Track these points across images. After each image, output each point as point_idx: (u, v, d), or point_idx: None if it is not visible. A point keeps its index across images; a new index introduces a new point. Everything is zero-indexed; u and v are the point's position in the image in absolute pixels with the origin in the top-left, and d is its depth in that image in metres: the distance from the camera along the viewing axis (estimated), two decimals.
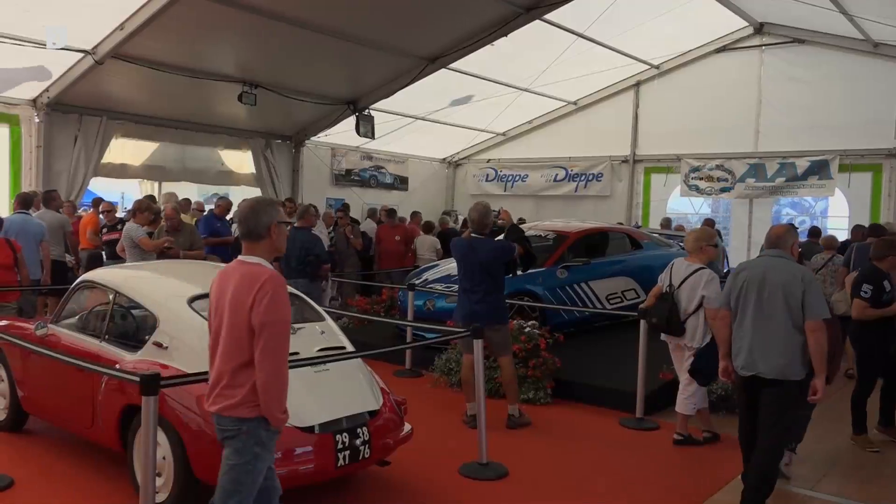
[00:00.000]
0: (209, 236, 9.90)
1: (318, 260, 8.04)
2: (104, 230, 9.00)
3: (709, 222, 13.18)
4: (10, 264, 7.01)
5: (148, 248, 7.80)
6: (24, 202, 8.35)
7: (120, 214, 10.20)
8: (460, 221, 15.44)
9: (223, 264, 7.87)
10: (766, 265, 4.50)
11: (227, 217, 10.55)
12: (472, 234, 6.24)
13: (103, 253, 9.26)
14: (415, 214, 13.93)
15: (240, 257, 3.17)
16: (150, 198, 10.24)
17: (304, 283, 7.65)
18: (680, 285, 5.80)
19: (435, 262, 10.68)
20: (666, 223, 14.11)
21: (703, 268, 5.79)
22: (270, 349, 2.94)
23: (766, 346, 4.36)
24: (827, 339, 4.28)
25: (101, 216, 9.70)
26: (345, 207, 13.80)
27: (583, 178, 16.91)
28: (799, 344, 4.28)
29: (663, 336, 6.00)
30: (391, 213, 12.61)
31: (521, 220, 13.89)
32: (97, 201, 10.67)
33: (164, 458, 4.04)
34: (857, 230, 10.34)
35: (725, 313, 4.63)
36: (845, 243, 10.04)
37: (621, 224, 13.70)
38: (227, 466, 3.00)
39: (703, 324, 5.68)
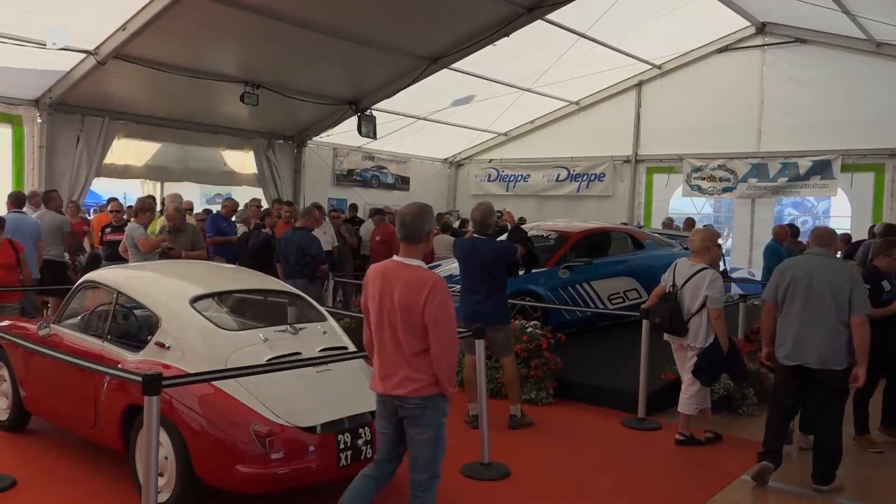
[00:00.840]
0: (215, 235, 9.93)
1: (315, 260, 8.05)
2: (107, 230, 8.91)
3: (689, 222, 13.33)
4: (12, 264, 7.01)
5: (144, 248, 7.79)
6: (17, 201, 8.35)
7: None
8: (460, 221, 15.43)
9: (228, 265, 7.96)
10: (813, 263, 4.96)
11: (232, 217, 10.57)
12: (475, 234, 6.23)
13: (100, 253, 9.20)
14: (440, 216, 14.00)
15: (398, 258, 3.54)
16: (150, 198, 10.18)
17: (303, 283, 7.66)
18: (683, 285, 5.79)
19: (437, 262, 10.68)
20: (669, 223, 14.11)
21: (706, 268, 5.78)
22: (444, 341, 3.39)
23: (813, 338, 4.79)
24: None
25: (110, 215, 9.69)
26: (353, 208, 13.79)
27: (585, 179, 16.91)
28: (843, 337, 4.75)
29: (666, 336, 6.00)
30: (376, 212, 12.35)
31: (522, 220, 13.89)
32: (111, 201, 10.68)
33: (166, 457, 4.04)
34: (872, 229, 10.39)
35: (771, 306, 5.08)
36: (857, 244, 10.06)
37: (626, 224, 13.69)
38: (423, 440, 3.48)
39: (706, 324, 5.67)
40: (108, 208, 9.58)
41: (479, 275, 6.06)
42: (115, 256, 8.21)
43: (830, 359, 4.77)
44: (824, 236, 5.17)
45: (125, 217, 9.16)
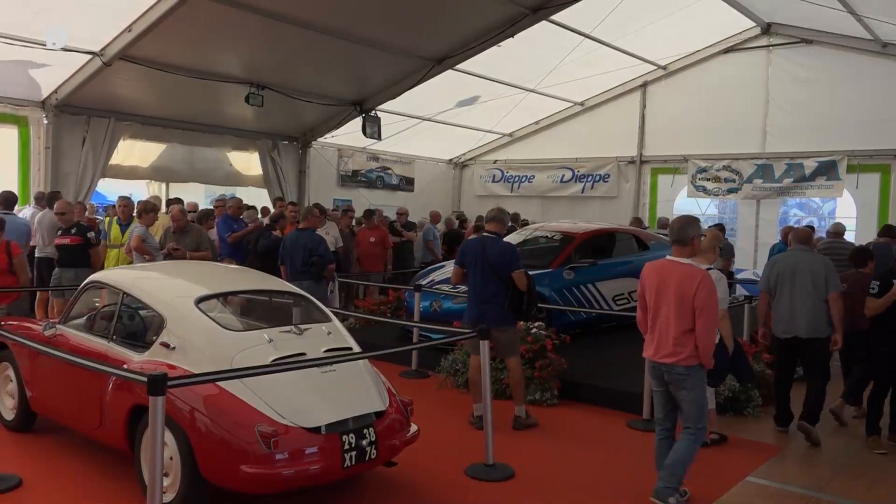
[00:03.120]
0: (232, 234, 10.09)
1: (322, 260, 8.04)
2: (58, 232, 8.31)
3: (636, 221, 13.41)
4: (4, 268, 6.86)
5: (132, 245, 7.78)
6: (6, 202, 8.34)
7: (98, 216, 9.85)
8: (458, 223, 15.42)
9: (236, 266, 7.96)
10: (795, 257, 6.23)
11: (241, 216, 10.63)
12: (485, 233, 6.21)
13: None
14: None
15: (670, 258, 4.56)
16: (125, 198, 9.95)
17: (309, 284, 7.65)
18: None
19: (441, 263, 10.68)
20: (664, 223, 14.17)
21: (710, 268, 5.76)
22: (707, 323, 4.33)
23: (801, 314, 6.00)
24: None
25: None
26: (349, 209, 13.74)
27: (589, 179, 16.88)
28: (823, 311, 5.98)
29: None
30: (369, 214, 12.02)
31: (525, 222, 13.88)
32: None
33: (171, 458, 4.05)
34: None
35: (765, 294, 6.34)
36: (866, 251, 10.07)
37: (646, 228, 13.66)
38: (689, 400, 4.44)
39: None
40: (55, 209, 8.61)
41: (486, 275, 6.03)
42: (66, 262, 7.96)
43: (816, 329, 5.99)
44: (803, 236, 6.49)
45: (76, 220, 8.57)
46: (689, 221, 4.60)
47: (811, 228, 11.61)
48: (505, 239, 6.45)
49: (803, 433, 5.98)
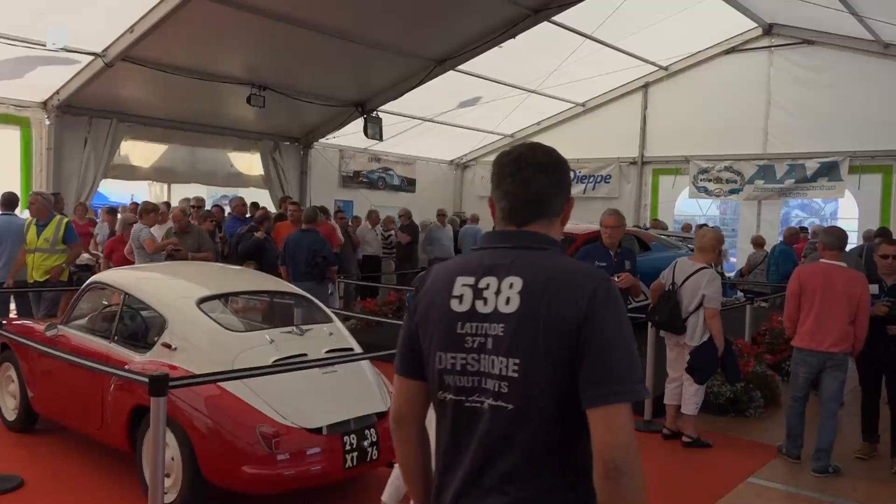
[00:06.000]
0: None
1: (327, 262, 8.04)
2: None
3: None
4: None
5: (150, 249, 7.80)
6: (7, 203, 8.35)
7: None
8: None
9: (238, 267, 7.96)
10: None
11: (246, 215, 10.64)
12: None
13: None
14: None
15: (825, 262, 5.39)
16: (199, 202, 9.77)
17: (311, 285, 7.65)
18: (682, 284, 5.78)
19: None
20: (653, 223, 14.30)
21: (705, 267, 5.77)
22: (865, 318, 5.21)
23: None
24: None
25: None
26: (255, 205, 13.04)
27: (591, 180, 16.89)
28: None
29: (662, 333, 6.01)
30: (320, 211, 10.26)
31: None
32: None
33: (172, 458, 4.05)
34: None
35: None
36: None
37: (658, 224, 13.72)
38: (839, 381, 5.32)
39: (702, 323, 5.66)
40: None
41: None
42: None
43: None
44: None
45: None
46: (845, 232, 5.71)
47: (803, 229, 11.91)
48: None
49: None
